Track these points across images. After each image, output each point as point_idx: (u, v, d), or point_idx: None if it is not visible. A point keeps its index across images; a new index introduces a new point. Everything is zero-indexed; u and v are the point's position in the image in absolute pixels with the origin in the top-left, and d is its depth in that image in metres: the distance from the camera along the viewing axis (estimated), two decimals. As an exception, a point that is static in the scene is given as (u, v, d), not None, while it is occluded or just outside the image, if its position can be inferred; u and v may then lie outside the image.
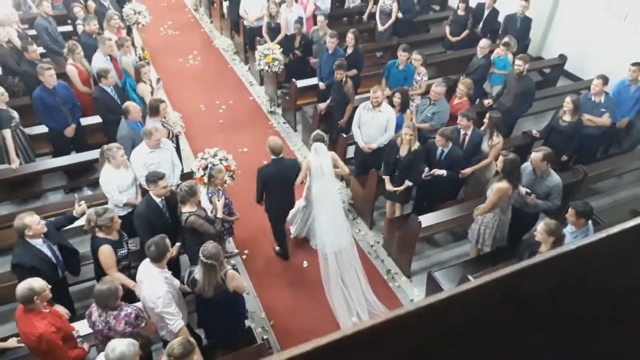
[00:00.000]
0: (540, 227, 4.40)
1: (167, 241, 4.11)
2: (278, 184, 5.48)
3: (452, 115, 6.49)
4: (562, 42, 9.59)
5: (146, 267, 4.13)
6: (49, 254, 4.41)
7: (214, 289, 4.01)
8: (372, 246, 6.34)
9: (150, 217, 4.69)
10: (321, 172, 5.53)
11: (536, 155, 5.12)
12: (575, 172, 6.28)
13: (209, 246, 3.96)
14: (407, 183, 5.86)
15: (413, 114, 6.78)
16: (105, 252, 4.34)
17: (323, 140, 5.56)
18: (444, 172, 5.70)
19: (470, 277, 4.75)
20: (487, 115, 5.95)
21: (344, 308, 5.41)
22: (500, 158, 4.99)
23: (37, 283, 3.68)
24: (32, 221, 4.22)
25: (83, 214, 4.65)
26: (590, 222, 4.72)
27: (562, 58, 9.14)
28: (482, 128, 5.99)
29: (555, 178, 5.21)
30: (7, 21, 7.33)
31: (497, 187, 4.94)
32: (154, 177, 4.69)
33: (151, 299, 3.97)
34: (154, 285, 4.01)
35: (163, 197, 4.79)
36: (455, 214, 5.87)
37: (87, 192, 6.94)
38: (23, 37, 7.66)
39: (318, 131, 5.81)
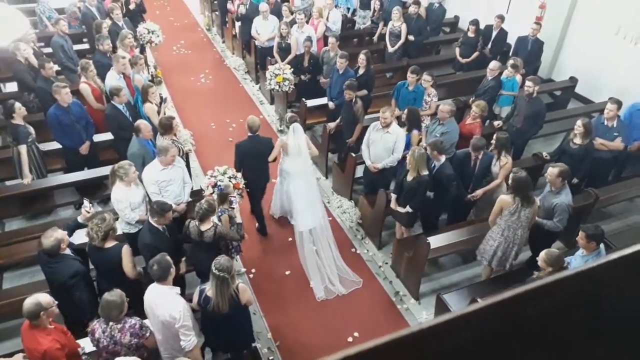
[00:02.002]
0: (541, 255, 4.41)
1: (168, 258, 4.10)
2: (253, 159, 5.96)
3: (462, 135, 6.49)
4: (572, 65, 9.60)
5: (154, 289, 4.09)
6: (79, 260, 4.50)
7: (229, 303, 3.99)
8: (380, 267, 6.29)
9: (157, 244, 4.60)
10: (298, 151, 6.02)
11: (552, 170, 5.16)
12: (587, 195, 6.22)
13: (222, 259, 3.98)
14: (407, 209, 5.82)
15: (423, 135, 6.78)
16: (129, 251, 4.47)
17: (298, 121, 6.06)
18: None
19: (479, 299, 4.68)
20: (495, 136, 5.95)
21: (317, 276, 5.95)
22: (511, 175, 5.03)
23: (44, 298, 3.69)
24: (63, 234, 4.32)
25: (87, 220, 4.69)
26: (602, 245, 4.65)
27: (573, 80, 9.14)
28: (490, 149, 5.98)
29: (562, 197, 5.18)
30: (25, 39, 7.49)
31: (499, 198, 5.10)
32: (161, 210, 4.62)
33: (172, 315, 3.94)
34: (171, 300, 4.00)
35: None
36: (465, 235, 5.83)
37: (98, 208, 6.98)
38: (39, 55, 7.82)
39: (292, 114, 6.39)
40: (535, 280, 4.17)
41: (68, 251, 4.42)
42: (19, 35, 6.58)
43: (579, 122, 6.19)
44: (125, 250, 4.47)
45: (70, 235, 4.57)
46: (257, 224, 6.59)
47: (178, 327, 3.94)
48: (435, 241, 5.54)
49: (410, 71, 7.25)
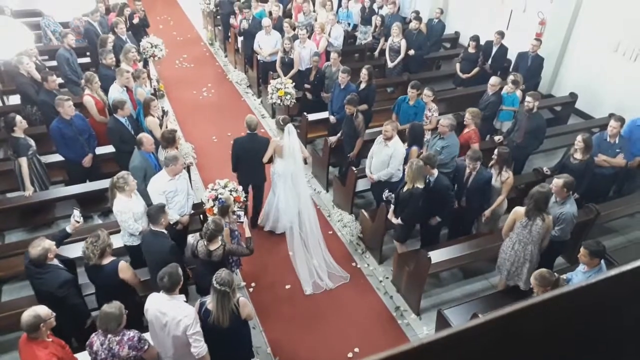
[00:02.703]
0: (532, 279, 4.43)
1: (180, 270, 4.08)
2: (248, 156, 6.27)
3: (460, 145, 6.52)
4: (573, 81, 9.66)
5: (158, 300, 4.05)
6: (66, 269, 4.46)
7: (230, 318, 3.97)
8: (381, 281, 6.26)
9: (162, 249, 4.66)
10: (291, 152, 6.24)
11: (557, 181, 5.22)
12: (588, 210, 6.21)
13: (223, 273, 3.95)
14: (398, 220, 5.81)
15: (424, 150, 6.80)
16: (127, 266, 4.44)
17: (291, 123, 6.33)
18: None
19: (480, 315, 4.65)
20: (496, 151, 5.95)
21: (306, 272, 6.16)
22: (537, 188, 5.05)
23: (42, 310, 3.68)
24: (50, 244, 4.29)
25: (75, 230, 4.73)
26: (603, 261, 4.64)
27: (573, 96, 9.19)
28: (491, 164, 5.99)
29: (567, 207, 5.23)
30: (27, 53, 7.56)
31: (514, 210, 5.17)
32: (157, 212, 4.67)
33: (184, 322, 3.93)
34: (181, 308, 3.99)
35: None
36: (466, 250, 5.81)
37: (98, 220, 6.99)
38: (41, 68, 7.89)
39: (285, 116, 6.61)
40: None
41: (56, 262, 4.39)
42: (23, 49, 6.67)
43: (579, 138, 6.20)
44: (123, 265, 4.44)
45: (58, 245, 4.53)
46: (250, 214, 6.77)
47: (190, 333, 3.91)
48: (437, 256, 5.52)
49: (410, 86, 7.30)
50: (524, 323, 0.93)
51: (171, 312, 3.98)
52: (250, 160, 6.31)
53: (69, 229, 4.75)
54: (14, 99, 8.69)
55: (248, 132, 6.27)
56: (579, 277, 4.55)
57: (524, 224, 5.03)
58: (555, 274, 4.54)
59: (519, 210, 5.09)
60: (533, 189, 5.03)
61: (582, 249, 4.61)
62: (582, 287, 0.94)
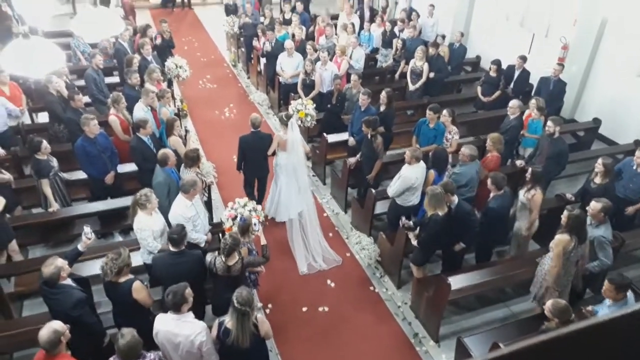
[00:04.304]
0: (548, 305, 4.32)
1: (188, 290, 4.06)
2: (254, 151, 6.79)
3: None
4: (596, 106, 9.54)
5: (167, 320, 4.04)
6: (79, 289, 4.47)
7: (250, 338, 3.93)
8: (399, 307, 6.16)
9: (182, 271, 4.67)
10: (293, 145, 6.68)
11: (595, 205, 5.23)
12: (613, 239, 6.05)
13: (243, 292, 3.92)
14: (414, 242, 5.81)
15: (446, 175, 6.72)
16: (141, 287, 4.42)
17: (292, 117, 6.88)
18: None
19: (501, 344, 4.54)
20: (530, 170, 6.01)
21: (302, 253, 6.66)
22: (565, 213, 5.02)
23: (57, 325, 3.72)
24: (63, 263, 4.31)
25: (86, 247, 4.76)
26: (629, 293, 4.50)
27: (596, 122, 9.06)
28: (522, 182, 6.10)
29: (601, 231, 5.21)
30: (58, 72, 7.80)
31: (557, 239, 4.99)
32: (180, 235, 4.71)
33: (199, 339, 3.93)
34: (193, 324, 3.98)
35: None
36: (488, 276, 5.72)
37: (119, 238, 7.06)
38: (70, 87, 8.12)
39: (287, 112, 7.17)
40: (544, 331, 4.04)
41: (69, 281, 4.39)
42: (55, 68, 6.88)
43: (599, 161, 6.20)
44: (137, 285, 4.41)
45: (70, 265, 4.53)
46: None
47: (205, 350, 3.90)
48: (457, 281, 5.43)
49: (429, 109, 7.31)
50: (548, 355, 0.91)
51: (183, 331, 3.98)
52: (255, 155, 6.83)
53: (80, 247, 4.75)
54: (43, 117, 8.93)
55: (252, 129, 6.73)
56: (604, 310, 4.41)
57: (570, 250, 4.95)
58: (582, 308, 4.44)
59: (564, 238, 4.93)
60: (570, 215, 4.94)
61: (606, 283, 4.48)
62: (608, 321, 0.92)
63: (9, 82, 7.97)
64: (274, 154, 6.91)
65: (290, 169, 6.80)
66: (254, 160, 6.89)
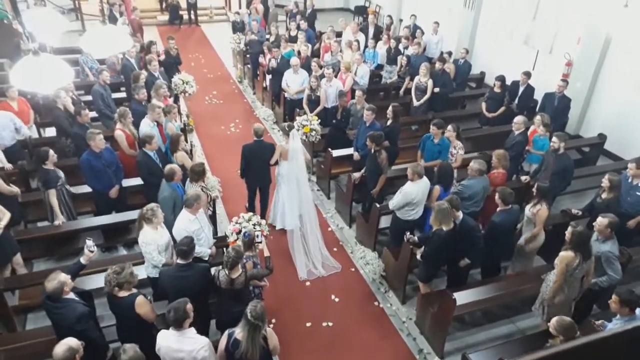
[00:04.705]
0: (553, 322, 4.30)
1: (189, 305, 4.05)
2: (256, 160, 6.99)
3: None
4: (601, 121, 9.56)
5: (169, 337, 4.03)
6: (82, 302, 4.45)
7: (260, 352, 3.92)
8: (404, 322, 6.11)
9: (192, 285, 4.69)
10: (295, 154, 6.91)
11: (602, 220, 5.22)
12: (619, 254, 6.01)
13: (258, 307, 3.93)
14: (418, 255, 5.79)
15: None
16: (144, 302, 4.39)
17: (294, 128, 7.11)
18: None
19: (507, 361, 4.48)
20: (536, 185, 6.04)
21: (302, 260, 6.81)
22: (569, 229, 5.01)
23: (73, 342, 3.70)
24: (66, 277, 4.30)
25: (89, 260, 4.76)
26: (638, 310, 4.45)
27: (602, 137, 9.06)
28: (530, 197, 6.07)
29: (608, 246, 5.19)
30: (64, 89, 7.92)
31: (561, 256, 4.97)
32: (189, 246, 4.70)
33: (201, 354, 3.93)
34: (195, 340, 3.97)
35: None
36: (494, 292, 5.67)
37: (123, 251, 7.08)
38: (76, 102, 8.22)
39: (289, 123, 7.34)
40: (549, 348, 3.99)
41: (72, 295, 4.38)
42: (64, 85, 6.98)
43: (606, 176, 6.22)
44: (140, 300, 4.39)
45: (73, 278, 4.52)
46: (260, 212, 7.46)
47: None
48: (462, 297, 5.38)
49: (432, 124, 7.35)
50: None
51: (185, 347, 3.98)
52: (258, 164, 7.03)
53: (83, 260, 4.74)
54: (50, 131, 9.03)
55: (255, 138, 6.90)
56: (613, 325, 4.37)
57: (574, 267, 4.92)
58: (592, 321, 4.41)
59: (568, 255, 4.91)
60: (574, 231, 4.92)
61: (613, 297, 4.50)
62: (614, 335, 0.91)
63: (17, 97, 8.10)
64: (276, 163, 7.08)
65: (292, 178, 6.99)
66: (257, 169, 7.08)
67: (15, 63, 5.45)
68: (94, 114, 8.58)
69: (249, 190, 7.46)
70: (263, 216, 7.15)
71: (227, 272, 4.66)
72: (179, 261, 4.72)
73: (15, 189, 6.47)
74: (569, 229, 5.02)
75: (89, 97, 9.02)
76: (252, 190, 7.45)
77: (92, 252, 4.75)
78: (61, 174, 6.51)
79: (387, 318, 6.18)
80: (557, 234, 6.12)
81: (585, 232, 4.96)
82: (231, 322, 4.29)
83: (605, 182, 6.19)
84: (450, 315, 5.40)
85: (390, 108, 7.87)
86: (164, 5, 18.04)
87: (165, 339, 4.04)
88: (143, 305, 4.41)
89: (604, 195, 6.23)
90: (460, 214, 5.58)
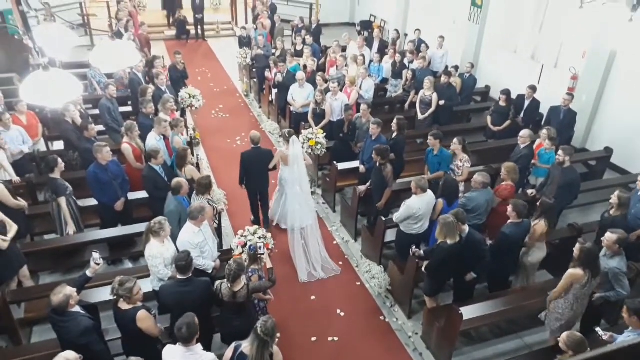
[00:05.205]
0: (563, 337, 4.26)
1: (196, 319, 4.05)
2: (255, 166, 7.23)
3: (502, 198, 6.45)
4: (607, 135, 9.53)
5: (176, 352, 4.01)
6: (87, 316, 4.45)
7: None
8: (410, 337, 6.06)
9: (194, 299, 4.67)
10: (295, 160, 7.14)
11: (610, 236, 5.17)
12: (628, 270, 5.95)
13: (269, 322, 3.92)
14: (423, 268, 5.77)
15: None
16: (146, 317, 4.36)
17: (294, 135, 7.31)
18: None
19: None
20: (540, 200, 6.03)
21: (303, 263, 6.97)
22: (578, 246, 4.98)
23: (70, 355, 3.70)
24: (72, 290, 4.30)
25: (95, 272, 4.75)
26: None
27: (608, 151, 9.03)
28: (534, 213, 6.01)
29: (615, 262, 5.13)
30: (73, 103, 8.01)
31: (568, 273, 4.94)
32: (188, 262, 4.68)
33: None
34: (199, 357, 3.96)
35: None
36: (501, 306, 5.62)
37: (128, 264, 7.09)
38: (84, 117, 8.30)
39: (289, 129, 7.56)
40: None
41: (77, 308, 4.37)
42: (73, 99, 7.06)
43: (615, 194, 6.17)
44: (141, 315, 4.36)
45: (79, 292, 4.50)
46: (252, 217, 7.83)
47: None
48: (469, 312, 5.33)
49: (429, 135, 7.41)
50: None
51: (196, 358, 3.95)
52: (257, 170, 7.26)
53: (89, 273, 4.73)
54: (58, 145, 9.11)
55: (252, 146, 7.18)
56: (623, 338, 4.34)
57: (583, 284, 4.90)
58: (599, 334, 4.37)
59: (576, 272, 4.88)
60: (583, 249, 4.89)
61: (624, 307, 4.49)
62: (625, 347, 0.91)
63: (26, 111, 8.19)
64: (274, 168, 7.34)
65: (294, 182, 7.28)
66: (256, 175, 7.31)
67: (23, 77, 5.51)
68: (101, 127, 8.65)
69: (250, 196, 7.62)
70: (266, 218, 7.64)
71: (229, 284, 4.65)
72: (179, 276, 4.71)
73: (22, 202, 6.51)
74: (577, 245, 4.99)
75: (97, 111, 9.11)
76: (253, 195, 7.62)
77: (98, 264, 4.74)
78: (67, 184, 6.55)
79: (393, 333, 6.12)
80: (564, 249, 6.08)
81: (593, 249, 4.92)
82: (232, 335, 4.27)
83: (614, 199, 6.14)
84: (457, 330, 5.35)
85: (394, 121, 7.91)
86: (171, 20, 18.26)
87: (172, 355, 4.02)
88: (144, 320, 4.37)
89: (612, 212, 6.18)
90: (466, 228, 5.56)
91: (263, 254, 5.32)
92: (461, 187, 7.13)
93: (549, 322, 5.28)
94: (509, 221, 5.79)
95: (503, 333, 6.08)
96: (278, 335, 5.88)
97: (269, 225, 7.72)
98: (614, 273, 5.14)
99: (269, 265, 5.22)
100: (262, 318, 3.97)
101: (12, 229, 5.71)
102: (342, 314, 6.36)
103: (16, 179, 7.31)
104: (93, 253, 4.80)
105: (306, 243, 7.16)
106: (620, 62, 9.24)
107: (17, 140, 7.63)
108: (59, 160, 6.42)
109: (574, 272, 4.90)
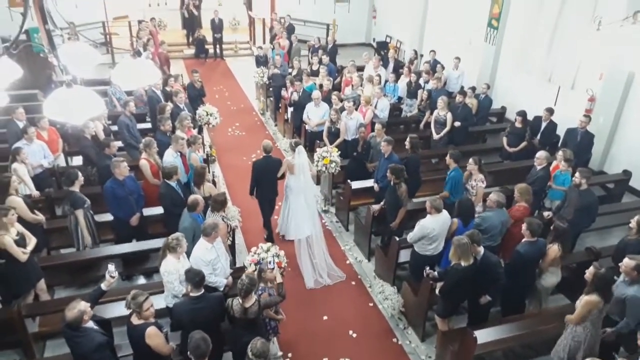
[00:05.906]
0: None
1: (206, 335, 4.05)
2: (266, 175, 7.49)
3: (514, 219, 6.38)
4: (626, 157, 9.41)
5: None
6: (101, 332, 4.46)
7: None
8: (422, 360, 5.97)
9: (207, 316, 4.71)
10: (301, 169, 7.43)
11: (629, 262, 5.04)
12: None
13: (258, 343, 3.91)
14: (437, 290, 5.70)
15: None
16: (155, 334, 4.36)
17: (301, 144, 7.61)
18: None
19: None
20: (553, 225, 5.93)
21: (309, 272, 7.16)
22: (591, 269, 4.91)
23: None
24: (86, 306, 4.32)
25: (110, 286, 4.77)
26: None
27: (627, 174, 8.90)
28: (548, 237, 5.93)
29: (635, 290, 4.98)
30: (97, 118, 8.19)
31: (586, 300, 4.82)
32: (200, 278, 4.73)
33: None
34: None
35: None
36: (517, 330, 5.53)
37: (142, 280, 7.12)
38: (107, 132, 8.46)
39: (296, 139, 8.05)
40: None
41: (91, 323, 4.39)
42: (98, 114, 7.22)
43: (636, 218, 6.05)
44: (151, 331, 4.35)
45: (93, 305, 4.52)
46: (265, 233, 8.00)
47: None
48: (483, 335, 5.24)
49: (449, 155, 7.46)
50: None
51: None
52: (267, 178, 7.51)
53: (103, 286, 4.74)
54: (77, 160, 9.28)
55: (264, 154, 7.46)
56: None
57: (600, 309, 4.81)
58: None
59: (593, 299, 4.77)
60: (597, 274, 4.82)
61: (638, 335, 4.41)
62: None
63: (48, 127, 8.38)
64: (283, 176, 7.57)
65: (300, 191, 7.52)
66: (266, 183, 7.54)
67: (46, 94, 5.62)
68: (119, 143, 8.81)
69: (261, 204, 7.77)
70: (269, 232, 7.93)
71: (240, 300, 4.66)
72: (192, 293, 4.73)
73: (40, 216, 6.61)
74: (591, 269, 4.91)
75: (116, 127, 9.29)
76: (264, 203, 7.78)
77: (113, 277, 4.75)
78: (86, 198, 6.65)
79: (405, 356, 6.03)
80: (580, 273, 5.96)
81: (608, 274, 4.82)
82: (242, 353, 4.25)
83: (633, 223, 6.04)
84: (471, 354, 5.25)
85: (407, 139, 7.91)
86: (190, 39, 18.63)
87: None
88: (153, 337, 4.36)
89: (631, 236, 6.05)
90: (481, 250, 5.50)
91: (273, 269, 5.33)
92: (479, 208, 7.06)
93: (558, 349, 5.13)
94: (523, 240, 5.72)
95: (518, 357, 5.95)
96: (290, 354, 5.91)
97: (273, 240, 7.77)
98: (632, 303, 4.96)
99: (279, 280, 5.23)
100: (253, 340, 3.96)
101: (32, 241, 5.81)
102: (354, 335, 6.29)
103: (35, 193, 7.46)
104: (109, 265, 4.82)
105: (311, 250, 7.34)
106: (638, 83, 9.16)
107: (38, 154, 7.81)
108: (79, 173, 6.57)
109: (590, 299, 4.78)
